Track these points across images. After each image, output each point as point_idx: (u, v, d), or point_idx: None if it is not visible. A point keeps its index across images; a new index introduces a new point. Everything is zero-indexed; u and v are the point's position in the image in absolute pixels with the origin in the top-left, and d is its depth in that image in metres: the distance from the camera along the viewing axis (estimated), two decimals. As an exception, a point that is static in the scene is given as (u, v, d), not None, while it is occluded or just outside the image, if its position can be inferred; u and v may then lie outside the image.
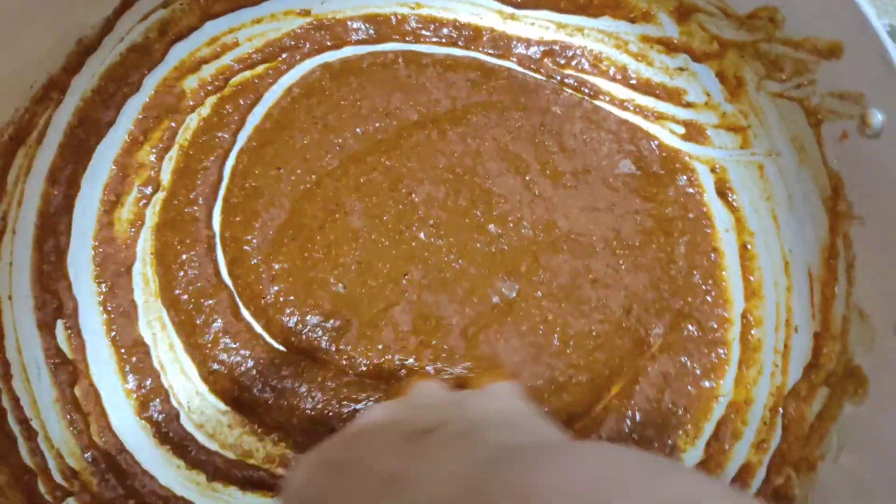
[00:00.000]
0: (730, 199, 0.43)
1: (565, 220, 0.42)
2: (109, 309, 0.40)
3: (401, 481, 0.21)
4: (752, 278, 0.39)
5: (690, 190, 0.43)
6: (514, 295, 0.40)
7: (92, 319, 0.39)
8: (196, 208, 0.43)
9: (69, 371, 0.36)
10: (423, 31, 0.50)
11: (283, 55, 0.48)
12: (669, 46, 0.45)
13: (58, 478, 0.32)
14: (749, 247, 0.41)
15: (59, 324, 0.38)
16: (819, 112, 0.35)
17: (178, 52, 0.45)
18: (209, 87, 0.46)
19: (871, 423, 0.29)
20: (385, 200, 0.43)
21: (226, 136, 0.46)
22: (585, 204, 0.44)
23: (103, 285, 0.40)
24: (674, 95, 0.46)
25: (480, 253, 0.42)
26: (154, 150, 0.44)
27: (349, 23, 0.49)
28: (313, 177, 0.44)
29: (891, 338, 0.28)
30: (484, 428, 0.23)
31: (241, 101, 0.47)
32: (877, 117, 0.30)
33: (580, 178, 0.45)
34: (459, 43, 0.50)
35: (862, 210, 0.32)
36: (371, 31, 0.49)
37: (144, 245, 0.42)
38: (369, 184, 0.44)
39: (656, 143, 0.46)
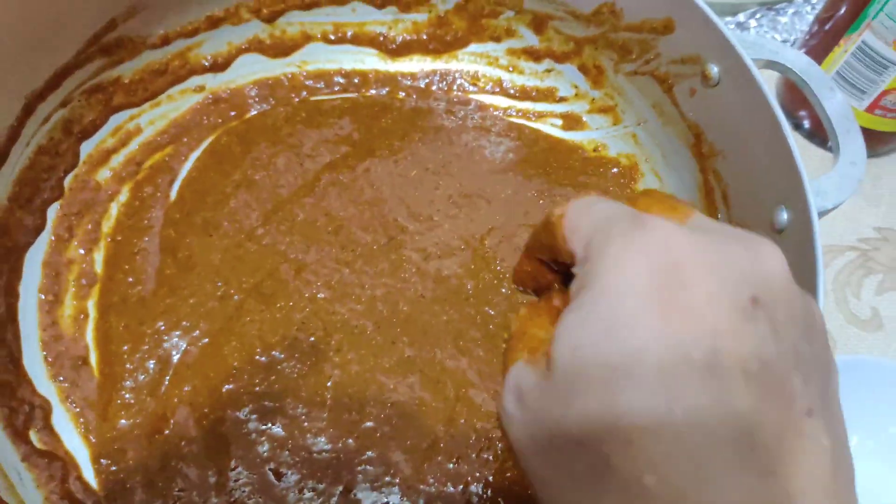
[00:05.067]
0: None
1: (483, 211, 0.48)
2: (74, 403, 0.40)
3: None
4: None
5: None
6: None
7: (60, 417, 0.39)
8: (140, 288, 0.44)
9: (60, 467, 0.36)
10: (316, 85, 0.54)
11: (190, 132, 0.50)
12: (534, 54, 0.52)
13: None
14: (643, 203, 0.48)
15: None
16: (668, 78, 0.43)
17: (86, 147, 0.46)
18: (123, 175, 0.48)
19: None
20: (318, 242, 0.46)
21: (152, 215, 0.47)
22: (492, 196, 0.49)
23: (64, 382, 0.40)
24: (547, 95, 0.53)
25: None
26: (82, 245, 0.45)
27: (245, 90, 0.53)
28: (242, 236, 0.46)
29: (769, 233, 0.34)
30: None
31: (159, 181, 0.48)
32: (713, 70, 0.37)
33: (485, 179, 0.50)
34: (351, 89, 0.54)
35: (721, 146, 0.40)
36: (268, 95, 0.53)
37: (93, 335, 0.42)
38: (300, 230, 0.47)
39: (542, 138, 0.52)
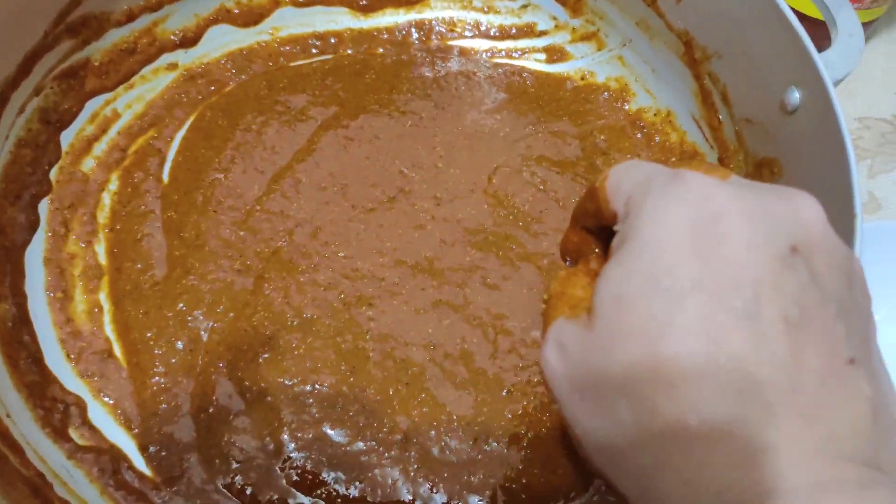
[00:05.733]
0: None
1: (485, 151, 0.48)
2: (108, 397, 0.38)
3: None
4: (655, 141, 0.47)
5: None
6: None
7: (96, 411, 0.37)
8: (152, 273, 0.42)
9: (108, 461, 0.34)
10: (292, 51, 0.52)
11: (170, 112, 0.48)
12: (508, -9, 0.52)
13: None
14: (639, 122, 0.49)
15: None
16: (651, -10, 0.43)
17: (66, 137, 0.44)
18: (109, 162, 0.46)
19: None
20: (327, 202, 0.45)
21: (147, 200, 0.45)
22: (490, 136, 0.49)
23: (93, 377, 0.38)
24: (527, 31, 0.53)
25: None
26: (80, 238, 0.43)
27: (220, 63, 0.51)
28: (248, 208, 0.45)
29: (779, 117, 0.35)
30: None
31: (148, 165, 0.46)
32: (700, -31, 0.38)
33: (480, 121, 0.50)
34: (328, 50, 0.53)
35: (715, 47, 0.41)
36: (244, 67, 0.51)
37: (112, 327, 0.40)
38: (307, 193, 0.46)
39: (528, 73, 0.53)
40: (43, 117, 0.43)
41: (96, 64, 0.45)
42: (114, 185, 0.45)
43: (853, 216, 0.29)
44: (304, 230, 0.44)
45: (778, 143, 0.37)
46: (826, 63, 0.32)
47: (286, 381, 0.39)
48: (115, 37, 0.46)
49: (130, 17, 0.46)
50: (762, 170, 0.38)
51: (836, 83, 0.32)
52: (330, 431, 0.38)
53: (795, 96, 0.34)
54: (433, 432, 0.38)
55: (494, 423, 0.38)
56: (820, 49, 0.33)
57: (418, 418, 0.38)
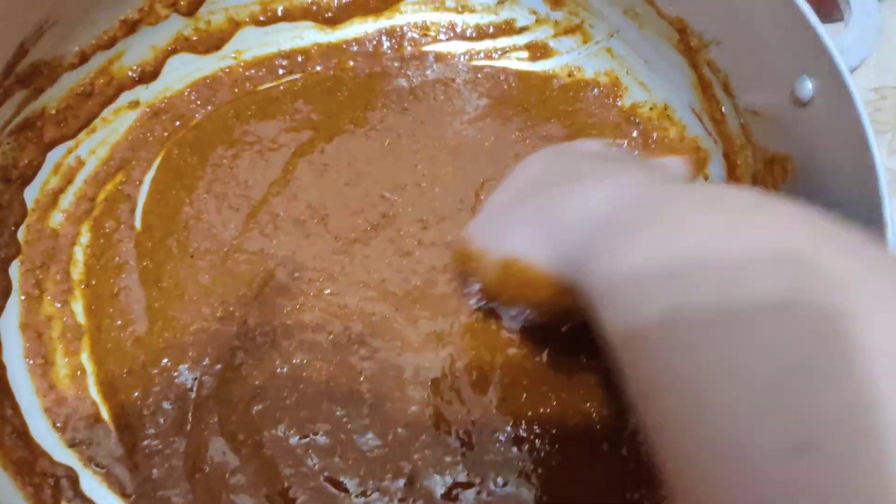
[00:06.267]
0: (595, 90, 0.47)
1: (471, 165, 0.45)
2: (98, 465, 0.36)
3: None
4: (652, 138, 0.44)
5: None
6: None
7: (89, 481, 0.36)
8: (132, 329, 0.40)
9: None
10: (258, 74, 0.50)
11: (136, 153, 0.46)
12: (481, -12, 0.49)
13: None
14: (633, 118, 0.46)
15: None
16: (637, -23, 0.40)
17: (30, 193, 0.42)
18: (78, 214, 0.43)
19: (809, 193, 0.33)
20: (308, 236, 0.43)
21: (121, 250, 0.43)
22: (475, 147, 0.46)
23: (82, 445, 0.37)
24: (506, 28, 0.50)
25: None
26: (56, 299, 0.41)
27: (184, 95, 0.48)
28: (226, 249, 0.43)
29: (790, 109, 0.32)
30: None
31: (118, 212, 0.44)
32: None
33: (463, 132, 0.47)
34: (295, 69, 0.50)
35: (713, 34, 0.37)
36: (209, 96, 0.49)
37: (97, 389, 0.39)
38: (286, 228, 0.43)
39: (511, 74, 0.50)
40: (3, 176, 0.40)
41: (53, 112, 0.43)
42: (85, 237, 0.43)
43: (883, 225, 0.26)
44: (286, 269, 0.42)
45: (790, 137, 0.34)
46: (840, 48, 0.29)
47: (280, 433, 0.37)
48: (71, 81, 0.43)
49: (84, 59, 0.43)
50: (773, 167, 0.35)
51: (853, 70, 0.29)
52: (331, 485, 0.36)
53: (808, 86, 0.31)
54: (437, 475, 0.36)
55: (503, 461, 0.36)
56: (830, 19, 0.30)
57: (421, 462, 0.37)
